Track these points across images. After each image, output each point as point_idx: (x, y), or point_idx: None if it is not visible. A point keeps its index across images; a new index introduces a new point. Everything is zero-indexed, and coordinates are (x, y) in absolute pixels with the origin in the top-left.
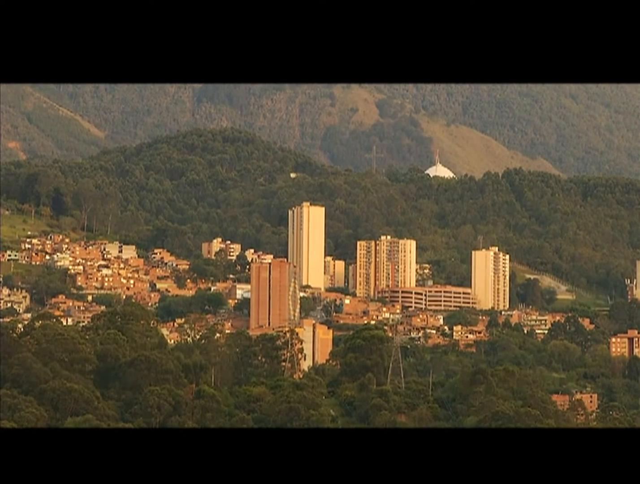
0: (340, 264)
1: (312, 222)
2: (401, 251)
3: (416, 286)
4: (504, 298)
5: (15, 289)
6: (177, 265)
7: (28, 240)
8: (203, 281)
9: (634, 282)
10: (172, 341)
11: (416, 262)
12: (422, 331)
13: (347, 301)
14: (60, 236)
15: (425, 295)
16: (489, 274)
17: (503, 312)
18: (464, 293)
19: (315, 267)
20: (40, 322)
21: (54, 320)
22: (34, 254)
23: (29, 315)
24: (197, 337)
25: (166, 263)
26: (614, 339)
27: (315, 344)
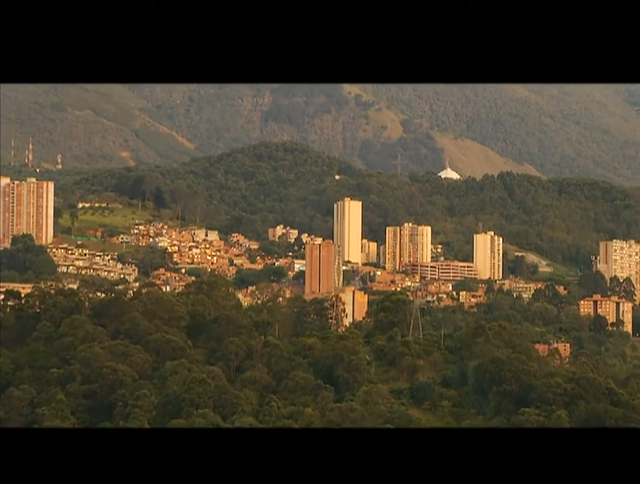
0: (373, 245)
1: (351, 213)
2: (419, 235)
3: (431, 261)
4: (498, 270)
5: (126, 264)
6: (249, 245)
7: (136, 227)
8: (269, 257)
9: (598, 259)
10: (246, 304)
11: (431, 243)
12: (435, 296)
13: (378, 273)
14: (161, 224)
15: (438, 268)
16: (487, 252)
17: (497, 281)
18: (467, 267)
19: (354, 247)
20: (145, 289)
21: (156, 288)
22: (140, 237)
23: (137, 284)
24: (265, 300)
25: (241, 244)
26: (582, 302)
27: (354, 306)
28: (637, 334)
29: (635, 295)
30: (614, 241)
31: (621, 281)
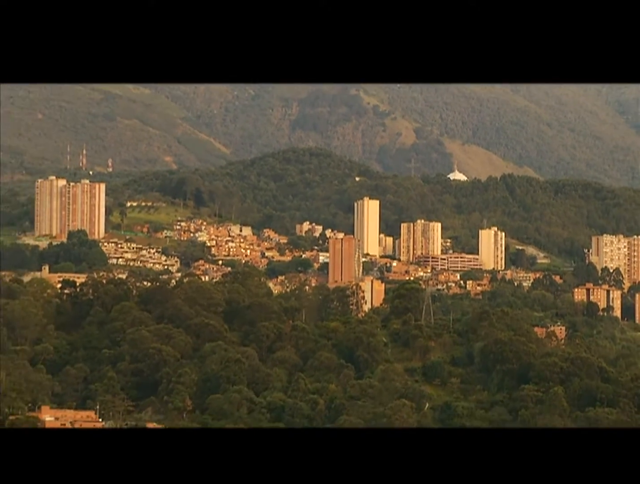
0: (389, 239)
1: (370, 210)
2: (431, 230)
3: (441, 253)
4: (501, 262)
5: (169, 257)
6: (279, 240)
7: (178, 223)
8: (296, 250)
9: (590, 251)
10: (276, 292)
11: (441, 238)
12: (445, 284)
13: (394, 264)
14: (200, 220)
15: (447, 260)
16: (490, 246)
17: (500, 272)
18: (473, 259)
19: (372, 241)
20: (186, 279)
21: (196, 277)
22: (182, 232)
23: (179, 274)
24: (293, 289)
25: (272, 239)
26: (576, 290)
27: (372, 294)
28: (626, 319)
29: (624, 284)
30: (605, 235)
31: (611, 271)
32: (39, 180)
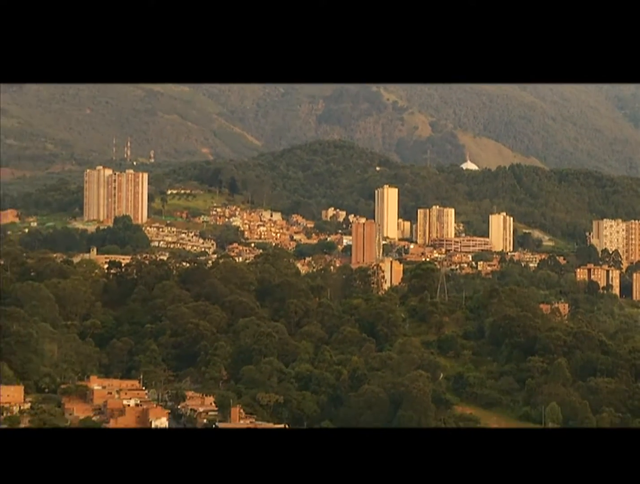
0: (407, 224)
1: (389, 197)
2: (445, 215)
3: (454, 237)
4: (509, 244)
5: (206, 239)
6: (306, 224)
7: (214, 209)
8: (322, 234)
9: (591, 234)
10: (303, 271)
11: (454, 222)
12: (458, 265)
13: (411, 246)
14: (234, 207)
15: (460, 243)
16: (500, 230)
17: (509, 253)
18: (484, 241)
19: (391, 225)
20: (222, 260)
21: (230, 258)
22: (218, 217)
23: (215, 255)
24: (319, 269)
25: (299, 223)
26: (578, 270)
27: (391, 273)
28: (624, 296)
29: (622, 264)
30: (604, 220)
31: (610, 252)
32: (88, 170)
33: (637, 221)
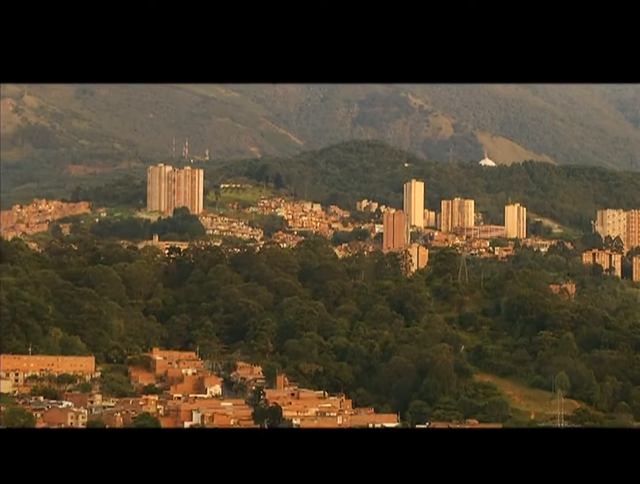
0: (432, 213)
1: (416, 190)
2: (465, 206)
3: (474, 225)
4: (523, 232)
5: (254, 228)
6: (343, 214)
7: (261, 201)
8: (357, 223)
9: (595, 223)
10: (340, 256)
11: (474, 212)
12: (477, 250)
13: (436, 234)
14: (279, 199)
15: (479, 230)
16: (514, 219)
17: (522, 240)
18: (500, 229)
19: (418, 215)
20: (268, 246)
21: (276, 245)
22: (265, 208)
23: (262, 242)
24: (354, 254)
25: (337, 213)
26: (584, 254)
27: (418, 258)
28: (625, 278)
29: (623, 249)
30: (607, 210)
31: (613, 239)
32: (150, 167)
33: (637, 211)
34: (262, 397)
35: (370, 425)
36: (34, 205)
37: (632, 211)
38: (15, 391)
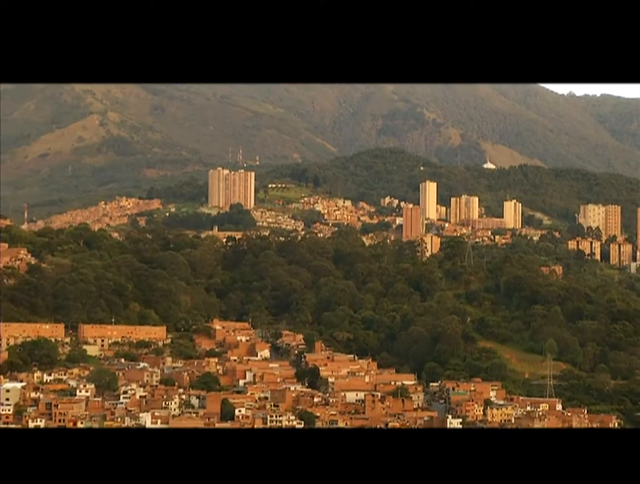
0: (443, 208)
1: (430, 189)
2: (471, 202)
3: (478, 218)
4: (519, 223)
5: (297, 220)
6: (369, 209)
7: (302, 198)
8: (381, 216)
9: (579, 216)
10: (367, 244)
11: (478, 207)
12: (480, 238)
13: (446, 225)
14: (317, 196)
15: (482, 222)
16: (512, 212)
17: (518, 230)
18: (500, 221)
19: (432, 209)
20: (308, 235)
21: (314, 234)
22: (305, 204)
23: (303, 232)
24: (379, 242)
25: (364, 208)
26: (569, 242)
27: (432, 245)
28: (603, 261)
29: (602, 237)
30: (589, 205)
31: (593, 229)
32: (211, 170)
33: (613, 206)
34: (303, 360)
35: (392, 383)
36: (116, 202)
37: (609, 205)
38: (101, 354)
